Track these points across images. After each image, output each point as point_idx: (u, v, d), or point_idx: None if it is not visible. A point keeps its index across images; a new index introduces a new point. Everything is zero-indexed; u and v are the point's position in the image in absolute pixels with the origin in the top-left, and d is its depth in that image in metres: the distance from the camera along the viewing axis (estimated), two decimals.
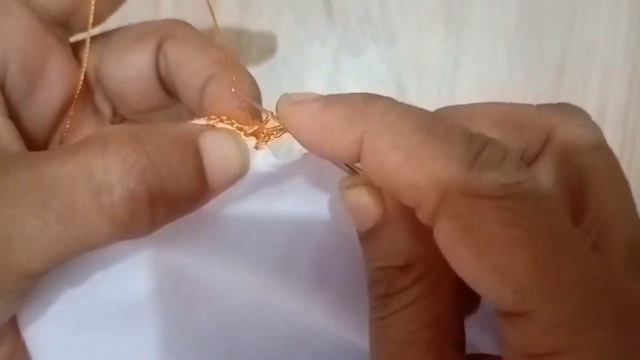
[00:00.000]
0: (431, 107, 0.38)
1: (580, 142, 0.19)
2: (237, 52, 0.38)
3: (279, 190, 0.23)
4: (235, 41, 0.38)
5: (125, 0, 0.24)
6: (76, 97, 0.22)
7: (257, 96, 0.23)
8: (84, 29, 0.22)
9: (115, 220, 0.16)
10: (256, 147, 0.21)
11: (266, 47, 0.38)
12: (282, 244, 0.24)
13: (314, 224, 0.24)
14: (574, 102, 0.21)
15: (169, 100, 0.26)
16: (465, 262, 0.15)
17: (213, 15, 0.22)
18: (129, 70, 0.23)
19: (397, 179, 0.16)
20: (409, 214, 0.17)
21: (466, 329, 0.18)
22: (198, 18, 0.39)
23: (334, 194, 0.24)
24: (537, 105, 0.21)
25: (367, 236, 0.18)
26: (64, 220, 0.16)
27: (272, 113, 0.20)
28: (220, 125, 0.21)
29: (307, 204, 0.24)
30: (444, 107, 0.21)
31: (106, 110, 0.26)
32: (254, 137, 0.21)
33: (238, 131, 0.20)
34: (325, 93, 0.18)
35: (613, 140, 0.38)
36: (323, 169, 0.24)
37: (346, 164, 0.20)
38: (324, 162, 0.23)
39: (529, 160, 0.21)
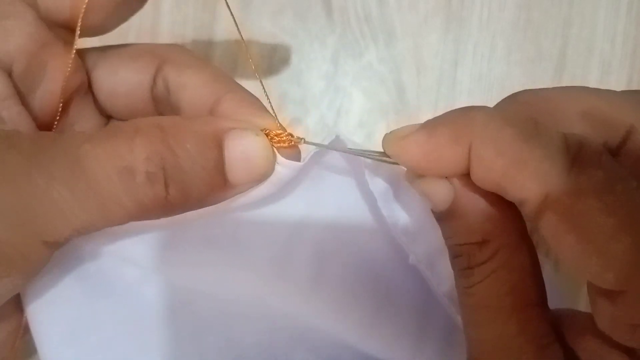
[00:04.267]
0: (431, 107, 0.38)
1: None
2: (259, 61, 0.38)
3: (280, 191, 0.23)
4: (235, 42, 0.38)
5: (134, 13, 0.25)
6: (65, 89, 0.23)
7: (261, 104, 0.24)
8: (92, 34, 0.24)
9: (136, 199, 0.18)
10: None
11: (266, 47, 0.38)
12: (281, 243, 0.24)
13: (313, 224, 0.24)
14: None
15: None
16: (571, 250, 0.17)
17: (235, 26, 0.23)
18: (121, 86, 0.25)
19: (504, 183, 0.18)
20: (480, 195, 0.19)
21: None
22: (198, 18, 0.39)
23: (334, 194, 0.24)
24: (620, 92, 0.21)
25: (443, 217, 0.20)
26: (91, 192, 0.18)
27: (292, 136, 0.21)
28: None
29: (307, 204, 0.24)
30: (524, 91, 0.22)
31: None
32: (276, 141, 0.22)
33: (265, 134, 0.21)
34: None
35: None
36: (324, 170, 0.24)
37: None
38: (324, 164, 0.23)
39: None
